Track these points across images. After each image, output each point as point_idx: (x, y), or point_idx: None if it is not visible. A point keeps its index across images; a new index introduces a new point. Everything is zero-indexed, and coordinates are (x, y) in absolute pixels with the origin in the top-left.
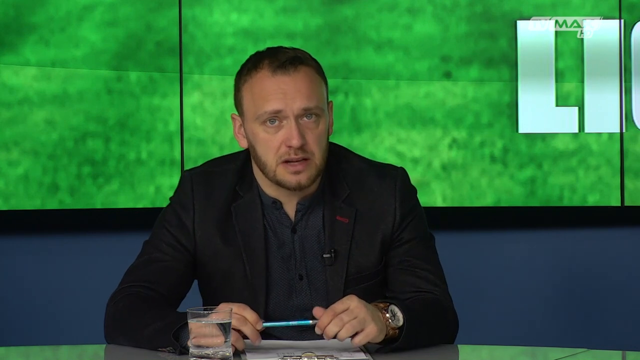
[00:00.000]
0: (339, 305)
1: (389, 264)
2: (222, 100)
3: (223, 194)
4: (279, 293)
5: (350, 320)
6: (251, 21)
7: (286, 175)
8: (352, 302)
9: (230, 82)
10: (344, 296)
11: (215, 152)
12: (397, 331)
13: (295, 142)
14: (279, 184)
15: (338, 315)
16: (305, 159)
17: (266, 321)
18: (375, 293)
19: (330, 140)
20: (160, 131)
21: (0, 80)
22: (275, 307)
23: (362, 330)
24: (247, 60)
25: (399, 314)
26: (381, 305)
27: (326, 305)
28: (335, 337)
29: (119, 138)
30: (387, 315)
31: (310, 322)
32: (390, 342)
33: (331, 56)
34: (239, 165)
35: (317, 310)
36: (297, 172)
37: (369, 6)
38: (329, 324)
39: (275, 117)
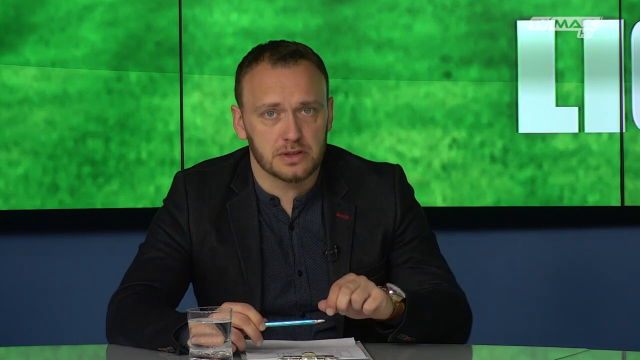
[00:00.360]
0: (340, 280)
1: (393, 264)
2: (222, 100)
3: (217, 192)
4: (276, 289)
5: (356, 288)
6: (251, 21)
7: (282, 166)
8: (351, 275)
9: (230, 82)
10: None
11: (215, 152)
12: (402, 305)
13: (292, 135)
14: (275, 175)
15: (344, 285)
16: (301, 152)
17: (269, 321)
18: None
19: (330, 139)
20: (160, 131)
21: (0, 80)
22: (272, 303)
23: (369, 297)
24: (249, 53)
25: (399, 290)
26: (378, 286)
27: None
28: (346, 313)
29: (119, 138)
30: (390, 292)
31: (313, 321)
32: (401, 318)
33: (331, 56)
34: (234, 163)
35: (321, 304)
36: (293, 164)
37: (369, 6)
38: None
39: (273, 109)
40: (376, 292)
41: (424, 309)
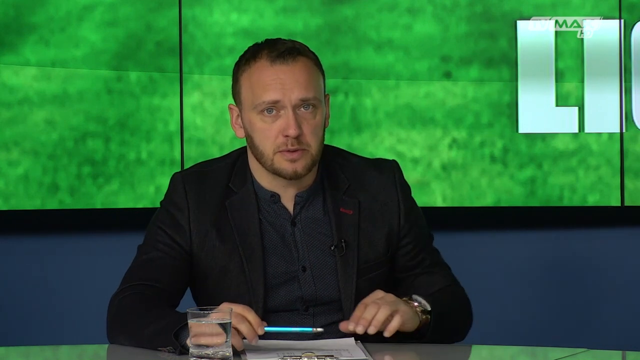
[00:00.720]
0: (367, 299)
1: (404, 267)
2: (222, 100)
3: (216, 191)
4: (280, 286)
5: (383, 303)
6: (251, 21)
7: (283, 163)
8: (379, 292)
9: (230, 82)
10: (356, 286)
11: (215, 152)
12: (428, 316)
13: (292, 132)
14: (275, 172)
15: (372, 302)
16: (301, 149)
17: (268, 325)
18: (382, 282)
19: (330, 139)
20: (160, 131)
21: (0, 80)
22: (275, 299)
23: (396, 312)
24: (246, 51)
25: (423, 301)
26: (404, 298)
27: (334, 294)
28: (367, 329)
29: (119, 138)
30: (415, 304)
31: (313, 330)
32: (425, 330)
33: (331, 56)
34: (231, 163)
35: (343, 325)
36: (293, 161)
37: (369, 6)
38: (361, 315)
39: (273, 106)
40: (403, 309)
41: (446, 320)
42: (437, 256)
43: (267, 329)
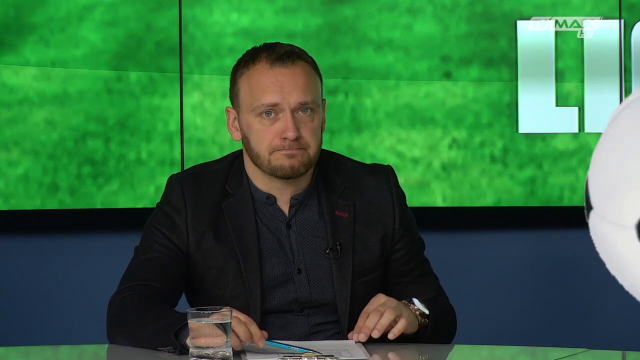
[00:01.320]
0: (369, 307)
1: (395, 273)
2: (222, 100)
3: (213, 193)
4: (276, 287)
5: (387, 308)
6: (251, 21)
7: (280, 159)
8: (381, 298)
9: None
10: (350, 289)
11: (215, 152)
12: (426, 320)
13: (291, 134)
14: (272, 172)
15: (374, 310)
16: (299, 148)
17: (269, 339)
18: (377, 286)
19: (330, 139)
20: (160, 131)
21: (0, 80)
22: (272, 301)
23: (399, 317)
24: (244, 55)
25: (422, 305)
26: (404, 301)
27: (329, 296)
28: (371, 333)
29: (119, 138)
30: (416, 307)
31: (312, 351)
32: (422, 333)
33: (331, 56)
34: (227, 165)
35: (349, 335)
36: (291, 156)
37: (369, 6)
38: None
39: (272, 109)
40: (406, 314)
41: (441, 325)
42: (427, 266)
43: (268, 342)
